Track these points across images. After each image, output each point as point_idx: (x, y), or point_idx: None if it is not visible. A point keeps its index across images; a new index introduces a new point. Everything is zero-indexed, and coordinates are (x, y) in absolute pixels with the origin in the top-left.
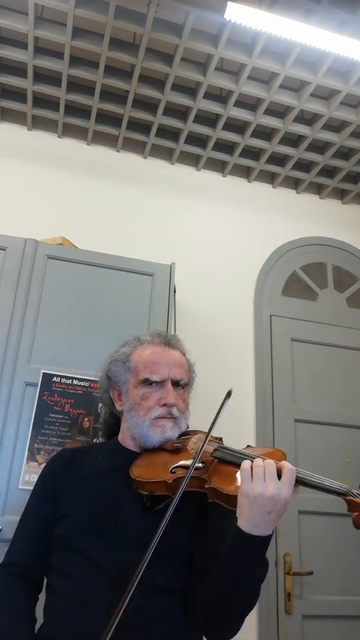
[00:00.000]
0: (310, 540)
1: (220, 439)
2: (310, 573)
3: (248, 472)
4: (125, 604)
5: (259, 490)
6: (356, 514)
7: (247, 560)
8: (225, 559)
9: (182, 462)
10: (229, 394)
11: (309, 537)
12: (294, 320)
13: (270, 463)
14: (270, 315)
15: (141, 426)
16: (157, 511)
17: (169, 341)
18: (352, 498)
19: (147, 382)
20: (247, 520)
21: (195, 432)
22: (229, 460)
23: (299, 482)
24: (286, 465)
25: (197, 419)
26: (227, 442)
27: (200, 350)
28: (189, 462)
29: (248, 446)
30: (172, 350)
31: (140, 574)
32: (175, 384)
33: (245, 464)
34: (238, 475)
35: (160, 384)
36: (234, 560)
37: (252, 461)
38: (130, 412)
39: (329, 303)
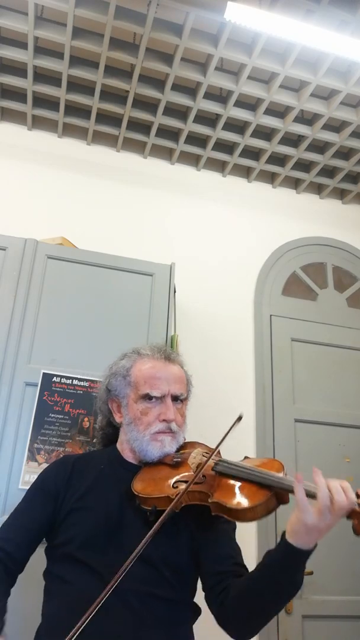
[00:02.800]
0: None
1: (219, 452)
2: (310, 573)
3: (325, 507)
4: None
5: (328, 523)
6: (355, 522)
7: (294, 570)
8: (272, 570)
9: (184, 477)
10: (239, 419)
11: None
12: (294, 320)
13: (349, 502)
14: (270, 315)
15: (141, 440)
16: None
17: (169, 356)
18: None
19: (147, 397)
20: (303, 542)
21: (192, 444)
22: (231, 474)
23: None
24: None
25: (196, 419)
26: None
27: (200, 350)
28: (191, 477)
29: (246, 457)
30: (172, 365)
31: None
32: (175, 398)
33: (326, 499)
34: (238, 488)
35: (160, 399)
36: (282, 571)
37: (330, 494)
38: (129, 425)
39: (329, 303)
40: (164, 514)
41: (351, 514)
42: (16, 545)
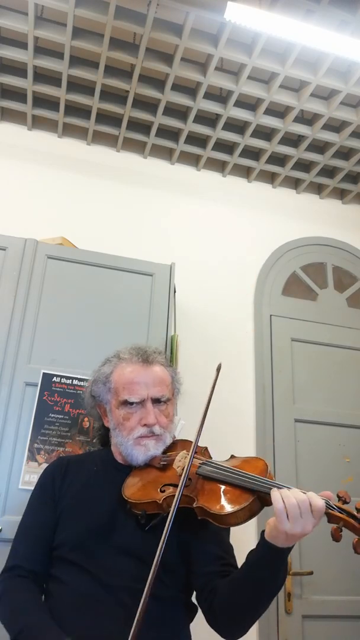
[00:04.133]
0: (310, 540)
1: (206, 449)
2: (310, 573)
3: (283, 513)
4: (140, 612)
5: (299, 531)
6: (334, 527)
7: (275, 568)
8: (254, 568)
9: (171, 480)
10: (218, 369)
11: (309, 537)
12: (294, 320)
13: (304, 501)
14: (270, 315)
15: (125, 445)
16: (152, 526)
17: (148, 357)
18: (330, 511)
19: (127, 403)
20: (279, 543)
21: (182, 442)
22: (214, 478)
23: None
24: (318, 503)
25: (195, 418)
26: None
27: (200, 350)
28: (177, 481)
29: (232, 456)
30: (151, 367)
31: (151, 583)
32: (156, 401)
33: (279, 504)
34: (221, 493)
35: (141, 403)
36: (264, 569)
37: (280, 494)
38: (114, 430)
39: (329, 303)
40: (168, 521)
41: (331, 519)
42: (40, 562)
